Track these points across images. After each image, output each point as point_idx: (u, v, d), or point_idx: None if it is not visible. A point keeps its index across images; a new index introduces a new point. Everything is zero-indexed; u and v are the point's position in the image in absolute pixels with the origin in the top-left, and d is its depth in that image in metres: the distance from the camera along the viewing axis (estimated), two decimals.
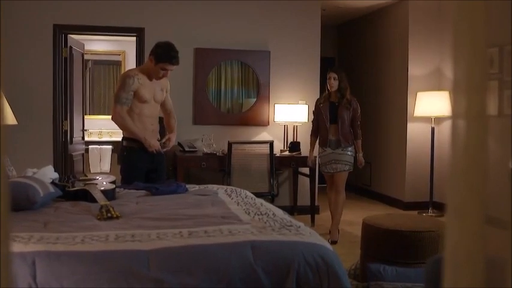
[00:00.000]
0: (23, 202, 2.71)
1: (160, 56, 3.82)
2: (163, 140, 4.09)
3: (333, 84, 4.94)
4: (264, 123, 6.28)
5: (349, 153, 4.96)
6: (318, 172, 5.67)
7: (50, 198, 2.99)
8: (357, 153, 5.01)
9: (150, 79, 3.92)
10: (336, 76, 4.93)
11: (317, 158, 5.33)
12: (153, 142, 3.96)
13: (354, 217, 5.87)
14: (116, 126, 4.03)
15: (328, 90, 5.02)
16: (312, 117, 5.31)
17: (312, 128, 5.23)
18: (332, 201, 5.12)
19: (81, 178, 3.47)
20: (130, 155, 4.00)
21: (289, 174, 6.33)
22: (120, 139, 4.18)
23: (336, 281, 2.12)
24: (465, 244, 0.55)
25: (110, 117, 4.08)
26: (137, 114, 3.93)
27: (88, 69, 8.02)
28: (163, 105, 4.20)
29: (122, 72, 7.51)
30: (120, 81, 3.99)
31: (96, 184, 3.21)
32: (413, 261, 3.04)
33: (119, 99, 3.85)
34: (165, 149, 4.08)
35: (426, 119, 6.38)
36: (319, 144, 5.11)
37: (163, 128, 4.42)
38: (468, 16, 0.54)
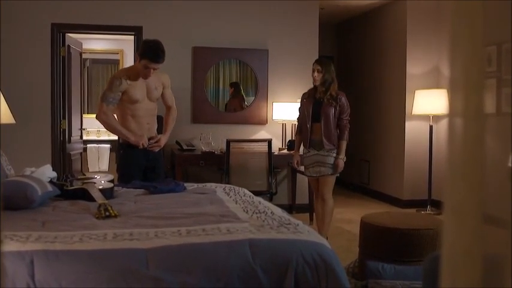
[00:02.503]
0: (21, 201, 2.70)
1: (142, 54, 3.75)
2: (153, 141, 4.01)
3: (316, 77, 4.39)
4: (262, 122, 6.28)
5: (334, 155, 4.42)
6: None
7: (48, 197, 2.98)
8: (337, 154, 4.42)
9: (137, 79, 3.86)
10: (320, 68, 4.37)
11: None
12: (138, 138, 3.91)
13: (353, 215, 5.87)
14: None
15: (314, 84, 4.50)
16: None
17: (297, 125, 4.80)
18: (319, 210, 4.61)
19: (79, 177, 3.46)
20: (126, 153, 4.00)
21: (288, 173, 6.32)
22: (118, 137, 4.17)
23: (335, 279, 2.12)
24: (463, 242, 0.54)
25: None
26: (131, 116, 3.92)
27: (86, 68, 8.02)
28: (163, 100, 4.18)
29: None
30: (108, 83, 3.99)
31: (95, 183, 3.21)
32: (412, 259, 3.05)
33: (105, 98, 3.87)
34: (151, 149, 4.00)
35: (424, 117, 6.38)
36: (302, 144, 4.67)
37: (162, 126, 4.40)
38: (466, 15, 0.54)
